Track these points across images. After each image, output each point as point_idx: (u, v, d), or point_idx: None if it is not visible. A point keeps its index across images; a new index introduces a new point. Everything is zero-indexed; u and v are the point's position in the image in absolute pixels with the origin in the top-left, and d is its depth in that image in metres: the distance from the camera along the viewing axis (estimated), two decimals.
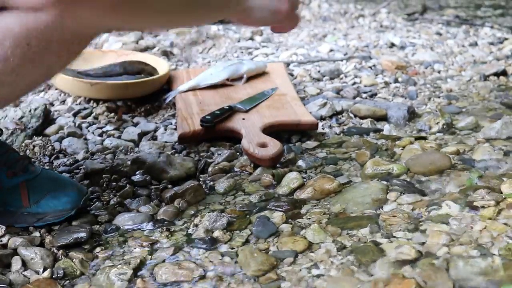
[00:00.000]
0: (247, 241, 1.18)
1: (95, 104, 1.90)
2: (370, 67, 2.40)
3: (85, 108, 1.87)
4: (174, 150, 1.60)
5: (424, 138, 1.66)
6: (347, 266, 1.08)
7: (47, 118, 1.76)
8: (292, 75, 2.26)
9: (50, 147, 1.60)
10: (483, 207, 1.25)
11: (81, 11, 0.95)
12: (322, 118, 1.81)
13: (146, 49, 2.57)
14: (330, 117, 1.83)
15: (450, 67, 2.46)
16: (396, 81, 2.24)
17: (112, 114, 1.83)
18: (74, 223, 1.24)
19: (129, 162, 1.49)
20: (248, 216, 1.27)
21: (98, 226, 1.25)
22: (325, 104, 1.85)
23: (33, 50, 0.97)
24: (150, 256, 1.14)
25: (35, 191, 1.24)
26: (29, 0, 0.94)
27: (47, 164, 1.52)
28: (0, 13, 0.94)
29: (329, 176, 1.41)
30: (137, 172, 1.45)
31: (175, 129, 1.72)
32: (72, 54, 1.09)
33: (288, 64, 2.40)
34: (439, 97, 2.06)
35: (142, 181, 1.42)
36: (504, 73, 2.34)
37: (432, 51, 2.67)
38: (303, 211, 1.29)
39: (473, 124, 1.75)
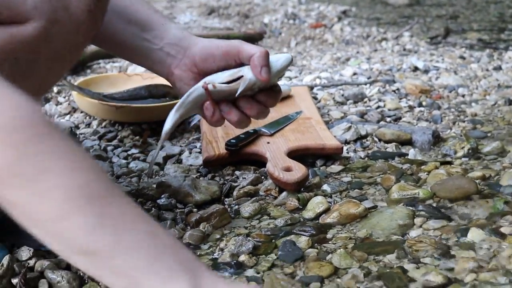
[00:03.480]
0: (273, 266, 1.18)
1: (120, 127, 1.91)
2: (394, 91, 2.40)
3: (110, 131, 1.89)
4: (199, 174, 1.60)
5: (450, 163, 1.65)
6: None
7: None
8: (315, 98, 2.26)
9: None
10: (510, 234, 1.24)
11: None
12: (346, 142, 1.81)
13: None
14: (355, 141, 1.83)
15: (474, 91, 2.45)
16: (420, 105, 2.23)
17: (137, 137, 1.84)
18: None
19: (154, 186, 1.49)
20: (273, 241, 1.27)
21: None
22: (349, 128, 1.85)
23: (21, 64, 0.98)
24: None
25: None
26: (13, 13, 0.94)
27: None
28: None
29: (354, 201, 1.41)
30: (162, 196, 1.46)
31: (200, 152, 1.72)
32: (64, 64, 1.09)
33: (311, 88, 2.41)
34: (463, 122, 2.06)
35: (168, 205, 1.43)
36: None
37: (456, 75, 2.66)
38: (329, 235, 1.29)
39: (499, 149, 1.74)
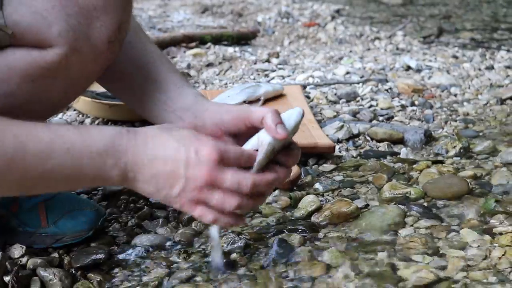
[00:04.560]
0: (264, 264, 1.18)
1: (113, 126, 1.91)
2: (387, 90, 2.40)
3: None
4: None
5: (441, 162, 1.66)
6: None
7: None
8: (308, 97, 2.26)
9: None
10: (501, 233, 1.25)
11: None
12: (339, 141, 1.82)
13: None
14: (347, 140, 1.83)
15: (467, 90, 2.46)
16: (412, 104, 2.24)
17: None
18: (92, 244, 1.25)
19: None
20: (265, 239, 1.27)
21: (116, 247, 1.25)
22: (342, 127, 1.86)
23: (38, 86, 0.99)
24: (168, 278, 1.14)
25: (53, 211, 1.24)
26: (37, 38, 0.96)
27: None
28: (7, 50, 0.96)
29: (346, 200, 1.41)
30: None
31: None
32: (78, 89, 1.11)
33: (304, 87, 2.41)
34: (455, 121, 2.06)
35: (160, 203, 1.42)
36: None
37: (448, 74, 2.67)
38: (320, 234, 1.29)
39: (490, 148, 1.75)
